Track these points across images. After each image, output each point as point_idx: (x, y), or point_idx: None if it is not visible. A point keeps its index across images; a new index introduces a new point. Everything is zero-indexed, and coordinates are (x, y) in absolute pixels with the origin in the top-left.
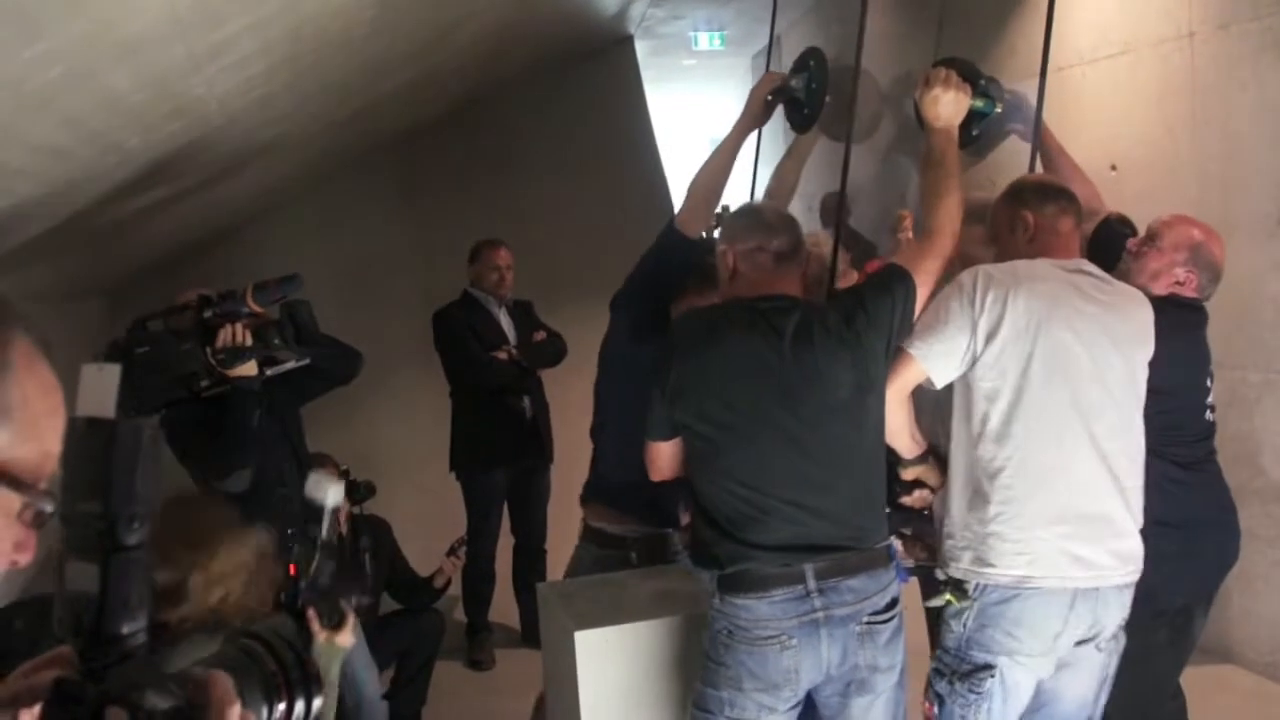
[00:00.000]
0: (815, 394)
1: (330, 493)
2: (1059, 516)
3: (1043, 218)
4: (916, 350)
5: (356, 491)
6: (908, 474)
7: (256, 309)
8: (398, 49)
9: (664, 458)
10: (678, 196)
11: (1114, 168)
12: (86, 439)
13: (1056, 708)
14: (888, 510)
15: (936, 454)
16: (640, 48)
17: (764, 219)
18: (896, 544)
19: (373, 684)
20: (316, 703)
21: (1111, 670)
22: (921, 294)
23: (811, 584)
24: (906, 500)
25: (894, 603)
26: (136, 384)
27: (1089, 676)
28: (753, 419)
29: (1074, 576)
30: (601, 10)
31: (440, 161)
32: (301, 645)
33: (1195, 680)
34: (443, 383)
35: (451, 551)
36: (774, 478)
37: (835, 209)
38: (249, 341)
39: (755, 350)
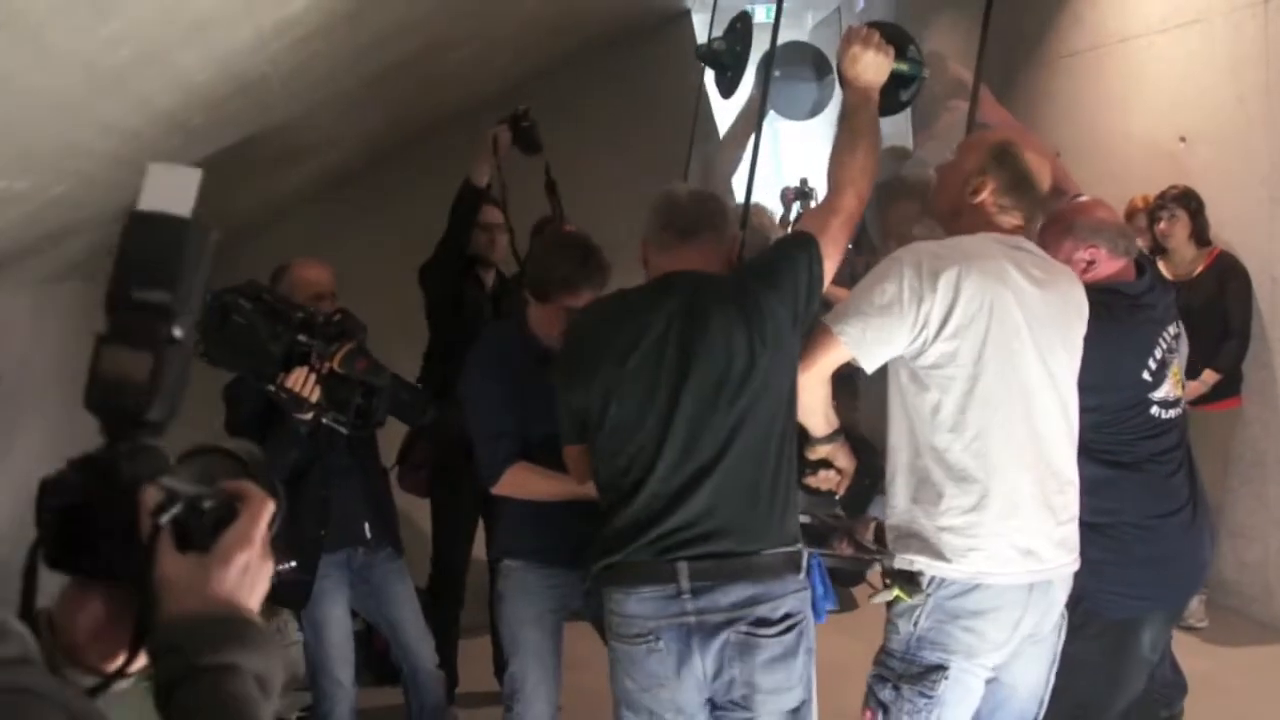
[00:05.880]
0: (709, 372)
1: None
2: (1012, 509)
3: (1002, 197)
4: (846, 335)
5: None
6: (815, 453)
7: (338, 370)
8: (459, 26)
9: (575, 460)
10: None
11: (1183, 139)
12: (158, 233)
13: (1013, 704)
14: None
15: (849, 434)
16: (697, 21)
17: (670, 200)
18: (808, 552)
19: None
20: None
21: (1058, 651)
22: (832, 251)
23: (684, 584)
24: (811, 480)
25: (786, 618)
26: (216, 341)
27: (1039, 663)
28: (642, 403)
29: (1028, 570)
30: None
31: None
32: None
33: (1265, 660)
34: None
35: None
36: (658, 466)
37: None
38: (315, 397)
39: (648, 332)
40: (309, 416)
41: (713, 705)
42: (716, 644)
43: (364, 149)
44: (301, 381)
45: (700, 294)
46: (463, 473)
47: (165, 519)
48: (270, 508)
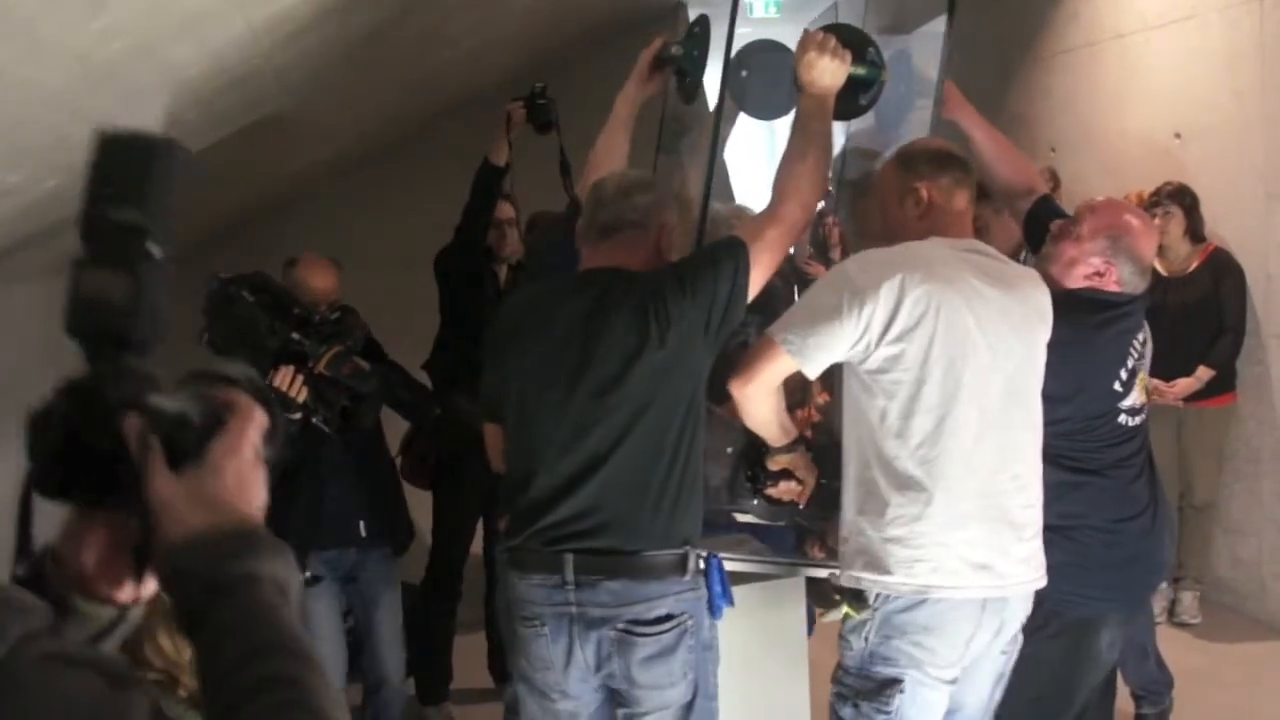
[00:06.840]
0: (604, 371)
1: None
2: (961, 521)
3: (937, 190)
4: (788, 342)
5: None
6: (775, 464)
7: (324, 372)
8: (454, 21)
9: (491, 439)
10: (731, 166)
11: (1178, 135)
12: (125, 151)
13: (960, 716)
14: (755, 501)
15: (808, 444)
16: (693, 16)
17: (595, 195)
18: (694, 555)
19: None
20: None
21: (1008, 669)
22: (766, 260)
23: (569, 576)
24: (772, 491)
25: (666, 618)
26: (218, 328)
27: (987, 677)
28: (541, 393)
29: (980, 585)
30: None
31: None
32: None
33: (1259, 656)
34: None
35: None
36: (550, 458)
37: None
38: (302, 398)
39: (556, 326)
40: (296, 416)
41: (617, 694)
42: (596, 637)
43: (359, 143)
44: (288, 380)
45: (611, 293)
46: (467, 466)
47: (152, 439)
48: (259, 414)
